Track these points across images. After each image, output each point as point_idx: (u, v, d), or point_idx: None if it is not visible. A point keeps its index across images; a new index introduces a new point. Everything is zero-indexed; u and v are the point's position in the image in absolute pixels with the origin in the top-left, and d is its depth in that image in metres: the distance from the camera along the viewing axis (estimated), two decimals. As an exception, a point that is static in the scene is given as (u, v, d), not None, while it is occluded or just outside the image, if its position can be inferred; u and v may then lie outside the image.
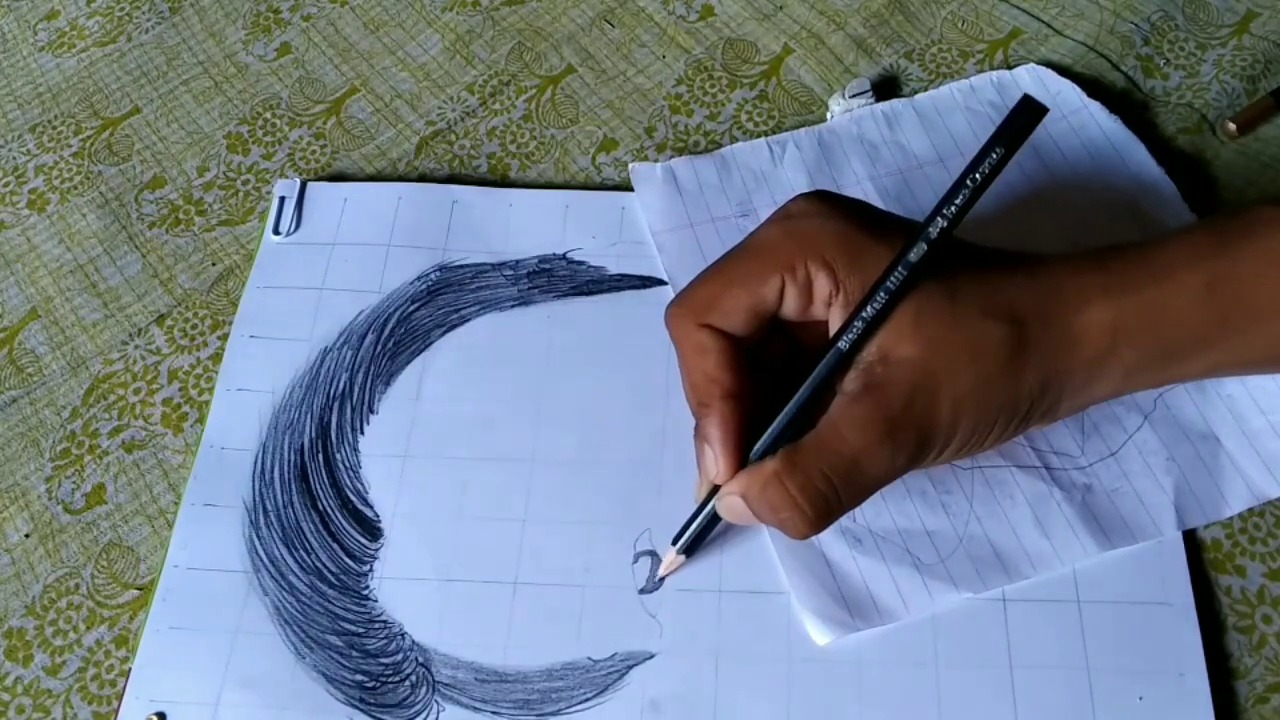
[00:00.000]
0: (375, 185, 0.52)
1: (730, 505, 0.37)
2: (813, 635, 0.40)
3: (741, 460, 0.36)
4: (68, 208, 0.54)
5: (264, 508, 0.44)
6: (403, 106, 0.56)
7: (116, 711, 0.40)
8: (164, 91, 0.57)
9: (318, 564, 0.43)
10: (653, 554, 0.42)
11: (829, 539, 0.41)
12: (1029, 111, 0.32)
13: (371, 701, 0.40)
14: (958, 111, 0.52)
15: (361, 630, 0.41)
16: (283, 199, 0.52)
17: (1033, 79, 0.52)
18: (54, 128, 0.57)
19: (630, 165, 0.51)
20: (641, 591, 0.41)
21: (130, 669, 0.41)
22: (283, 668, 0.41)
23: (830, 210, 0.36)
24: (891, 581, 0.40)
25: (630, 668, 0.40)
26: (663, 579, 0.41)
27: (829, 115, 0.52)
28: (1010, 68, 0.53)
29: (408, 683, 0.40)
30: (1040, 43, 0.54)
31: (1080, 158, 0.49)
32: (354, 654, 0.41)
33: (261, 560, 0.43)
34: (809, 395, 0.35)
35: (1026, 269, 0.36)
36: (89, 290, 0.51)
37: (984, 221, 0.47)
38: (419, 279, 0.49)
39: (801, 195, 0.37)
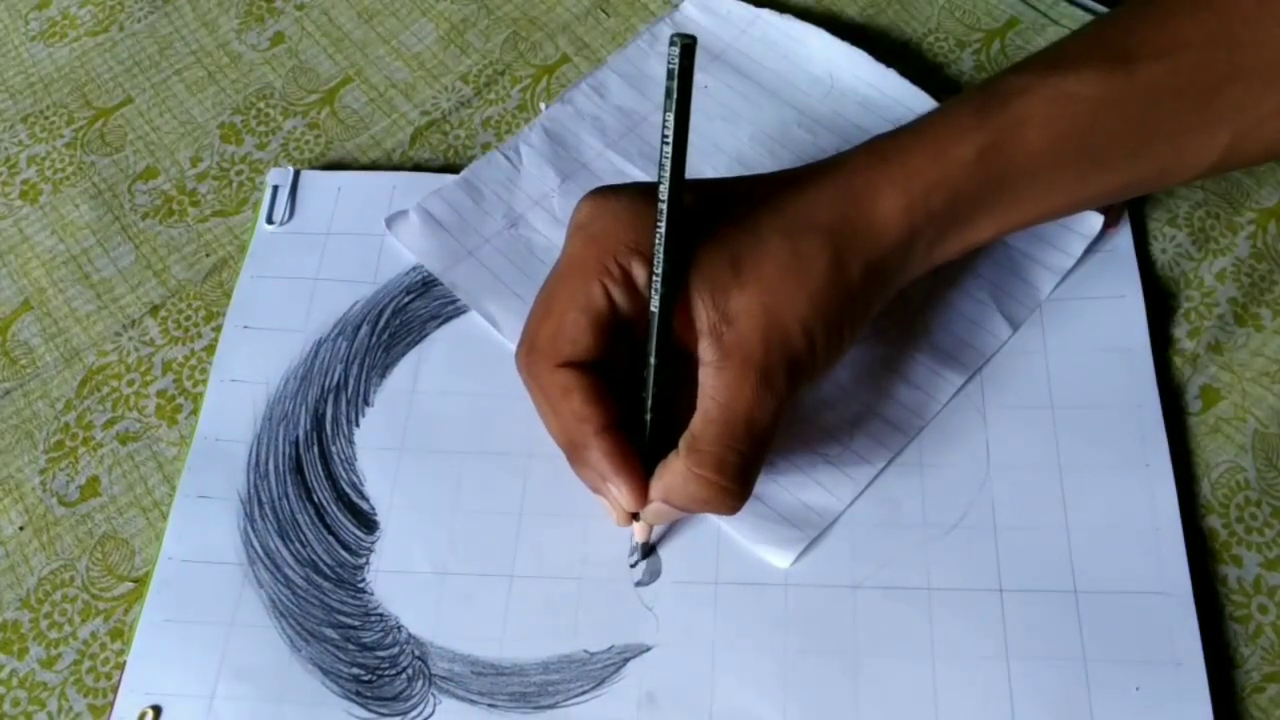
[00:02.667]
0: (369, 174, 0.52)
1: (656, 511, 0.38)
2: (775, 563, 0.41)
3: (643, 476, 0.36)
4: (60, 198, 0.53)
5: (259, 500, 0.44)
6: (397, 96, 0.55)
7: (112, 704, 0.40)
8: (156, 81, 0.57)
9: (313, 556, 0.42)
10: (650, 547, 0.41)
11: None
12: (683, 51, 0.33)
13: (368, 695, 0.40)
14: (651, 58, 0.54)
15: (357, 623, 0.41)
16: (276, 188, 0.51)
17: (698, 7, 0.55)
18: (46, 118, 0.56)
19: (385, 221, 0.49)
20: (638, 584, 0.41)
21: (125, 661, 0.41)
22: (278, 660, 0.40)
23: (612, 202, 0.37)
24: (814, 484, 0.42)
25: (627, 660, 0.40)
26: (659, 572, 0.41)
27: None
28: (1007, 58, 0.53)
29: (404, 676, 0.40)
30: (1037, 32, 0.54)
31: (778, 63, 0.53)
32: (350, 647, 0.41)
33: (256, 552, 0.43)
34: (659, 372, 0.36)
35: (814, 181, 0.38)
36: (82, 281, 0.51)
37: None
38: (414, 269, 0.49)
39: (583, 200, 0.38)
